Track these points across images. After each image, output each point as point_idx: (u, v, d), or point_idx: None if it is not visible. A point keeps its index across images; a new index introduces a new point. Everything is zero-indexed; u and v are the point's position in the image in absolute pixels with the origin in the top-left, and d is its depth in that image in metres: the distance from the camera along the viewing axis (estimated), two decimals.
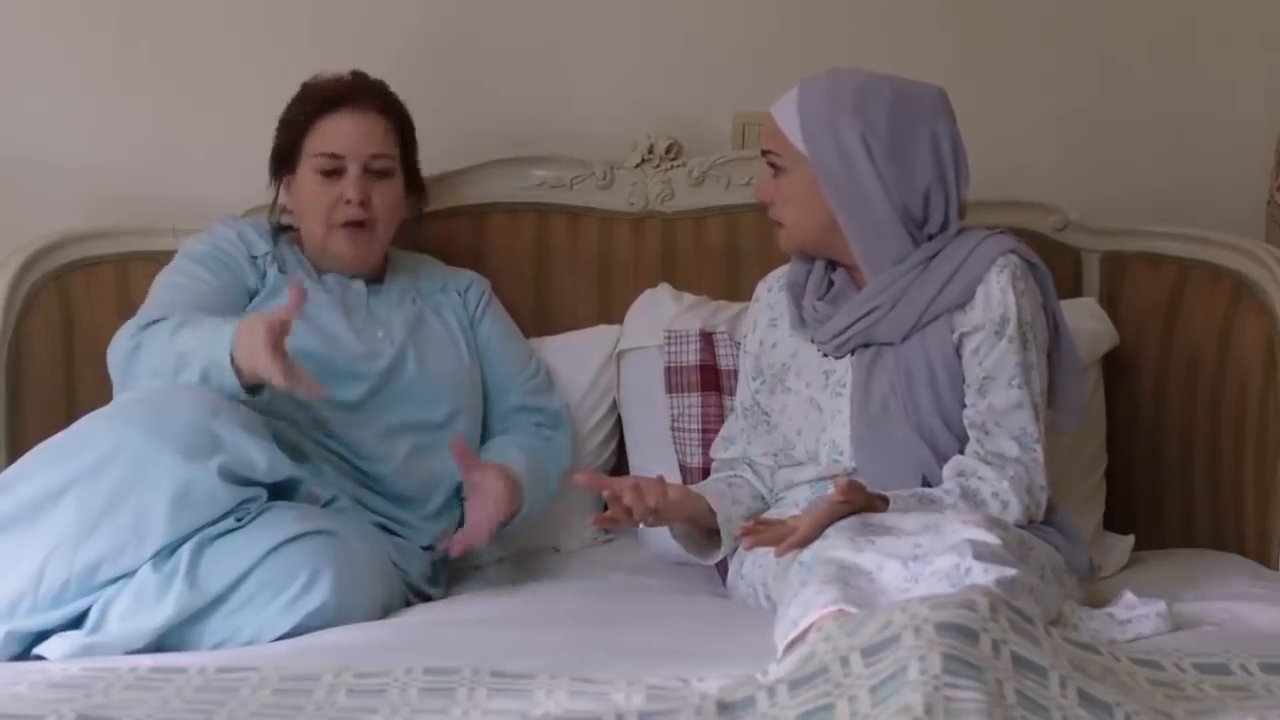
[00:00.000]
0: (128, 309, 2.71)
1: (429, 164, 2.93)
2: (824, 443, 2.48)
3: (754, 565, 2.47)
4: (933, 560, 2.05)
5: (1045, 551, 2.31)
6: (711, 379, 2.81)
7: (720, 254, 3.02)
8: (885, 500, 2.26)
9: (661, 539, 2.68)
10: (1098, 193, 3.15)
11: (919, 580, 2.03)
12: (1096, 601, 2.37)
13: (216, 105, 3.08)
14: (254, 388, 2.40)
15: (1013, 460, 2.38)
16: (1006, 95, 3.15)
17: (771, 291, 2.63)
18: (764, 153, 2.51)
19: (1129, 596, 2.28)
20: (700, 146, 3.07)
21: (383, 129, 2.72)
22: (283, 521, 2.32)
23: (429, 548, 2.63)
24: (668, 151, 3.04)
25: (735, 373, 2.74)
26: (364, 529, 2.48)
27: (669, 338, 2.84)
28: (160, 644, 2.23)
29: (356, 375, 2.62)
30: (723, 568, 2.59)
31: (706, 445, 2.74)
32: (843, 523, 2.19)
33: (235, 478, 2.31)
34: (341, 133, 2.69)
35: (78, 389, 2.83)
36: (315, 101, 2.71)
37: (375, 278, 2.78)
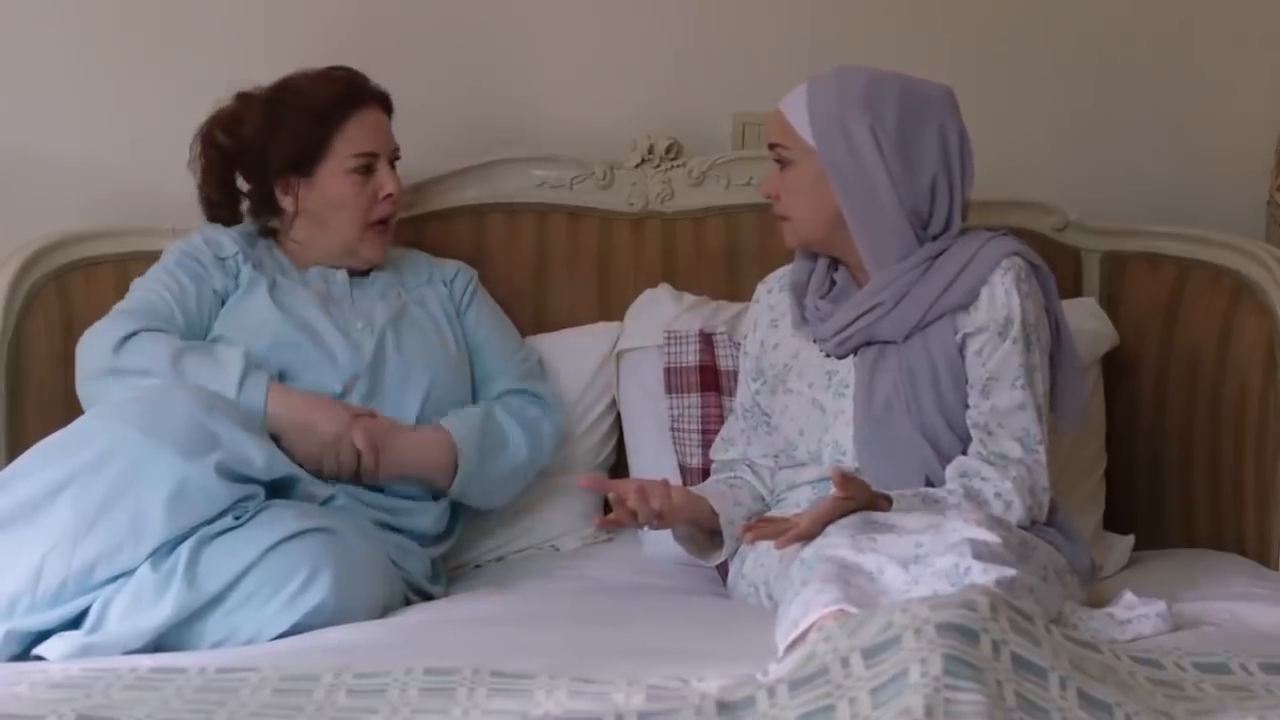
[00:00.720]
0: None
1: (429, 165, 2.94)
2: (827, 443, 2.48)
3: (755, 564, 2.47)
4: (933, 561, 2.05)
5: (1047, 552, 2.31)
6: (711, 379, 2.81)
7: (720, 254, 3.02)
8: (888, 500, 2.27)
9: (662, 539, 2.69)
10: (1098, 193, 3.15)
11: (919, 581, 2.03)
12: (1097, 602, 2.37)
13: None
14: None
15: (1015, 461, 2.38)
16: (1006, 95, 3.15)
17: (772, 292, 2.64)
18: (771, 146, 2.51)
19: (1129, 596, 2.28)
20: (700, 146, 3.07)
21: (388, 120, 2.76)
22: (281, 519, 2.32)
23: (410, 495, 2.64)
24: (668, 151, 3.04)
25: (735, 373, 2.74)
26: (363, 527, 2.49)
27: (668, 338, 2.84)
28: (159, 643, 2.23)
29: (338, 367, 2.63)
30: (723, 568, 2.59)
31: (706, 446, 2.74)
32: (844, 520, 2.20)
33: (233, 475, 2.31)
34: (370, 130, 2.72)
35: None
36: (335, 105, 2.70)
37: (360, 270, 2.78)
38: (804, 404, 2.52)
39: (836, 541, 2.12)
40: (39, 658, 2.22)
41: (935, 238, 2.47)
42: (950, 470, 2.39)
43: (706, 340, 2.82)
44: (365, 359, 2.66)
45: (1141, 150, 3.21)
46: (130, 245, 2.93)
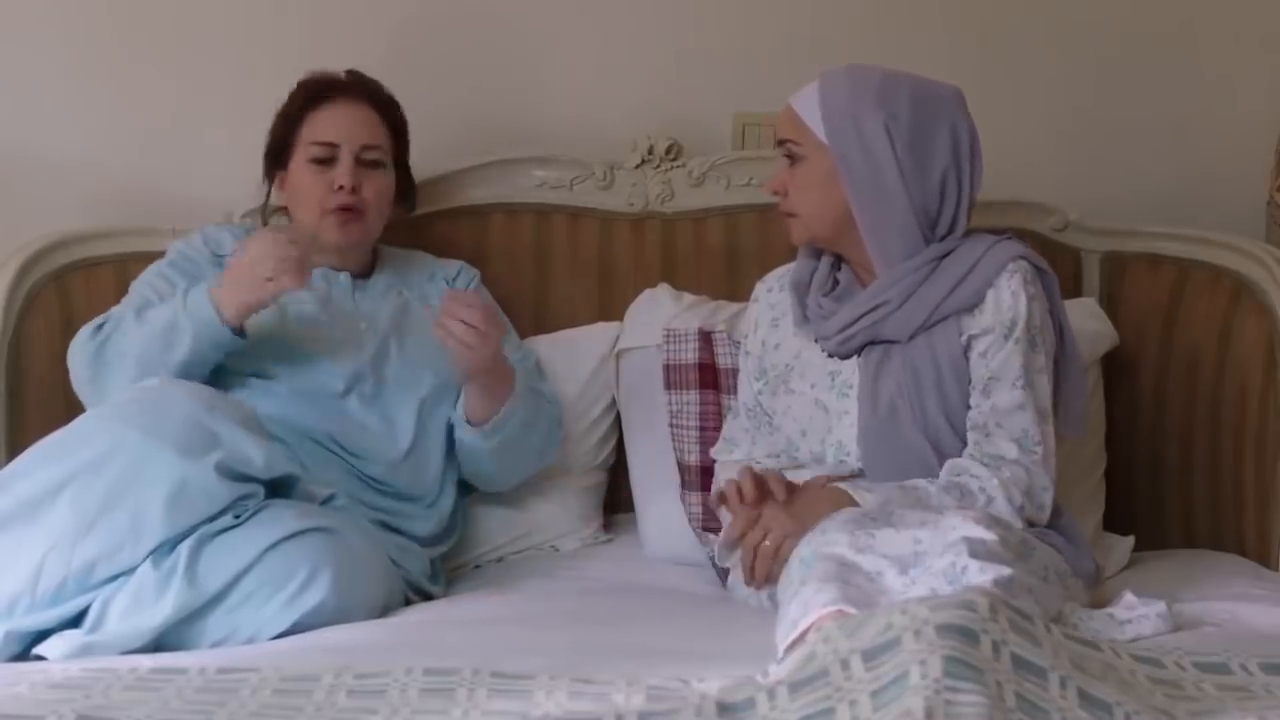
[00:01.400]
0: None
1: (429, 165, 2.94)
2: (830, 444, 2.48)
3: None
4: (930, 562, 2.05)
5: (1047, 553, 2.31)
6: (710, 377, 2.81)
7: (720, 255, 3.02)
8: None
9: (662, 540, 2.69)
10: (1098, 193, 3.15)
11: (917, 582, 2.03)
12: (1097, 602, 2.37)
13: (216, 105, 3.08)
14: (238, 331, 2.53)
15: (1010, 462, 2.38)
16: (1006, 95, 3.15)
17: (771, 292, 2.63)
18: (780, 142, 2.51)
19: (1129, 597, 2.28)
20: (700, 147, 3.07)
21: (374, 120, 2.76)
22: (281, 519, 2.32)
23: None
24: (668, 152, 3.04)
25: (733, 371, 2.74)
26: (363, 527, 2.49)
27: (668, 336, 2.84)
28: (159, 642, 2.23)
29: (339, 365, 2.63)
30: (724, 569, 2.59)
31: (704, 443, 2.74)
32: (841, 515, 2.19)
33: (233, 474, 2.31)
34: (334, 121, 2.73)
35: None
36: (308, 94, 2.75)
37: (362, 273, 2.79)
38: (806, 404, 2.51)
39: (835, 539, 2.12)
40: (39, 657, 2.22)
41: (942, 239, 2.47)
42: (943, 471, 2.39)
43: (705, 338, 2.82)
44: (367, 357, 2.66)
45: (1141, 150, 3.21)
46: (130, 245, 2.93)
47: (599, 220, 3.03)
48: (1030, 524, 2.38)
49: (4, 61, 3.07)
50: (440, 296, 2.67)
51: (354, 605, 2.33)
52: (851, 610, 1.95)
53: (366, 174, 2.73)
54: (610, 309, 2.98)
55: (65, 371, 2.67)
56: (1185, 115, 3.22)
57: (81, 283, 2.90)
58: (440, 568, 2.69)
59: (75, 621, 2.26)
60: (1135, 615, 2.23)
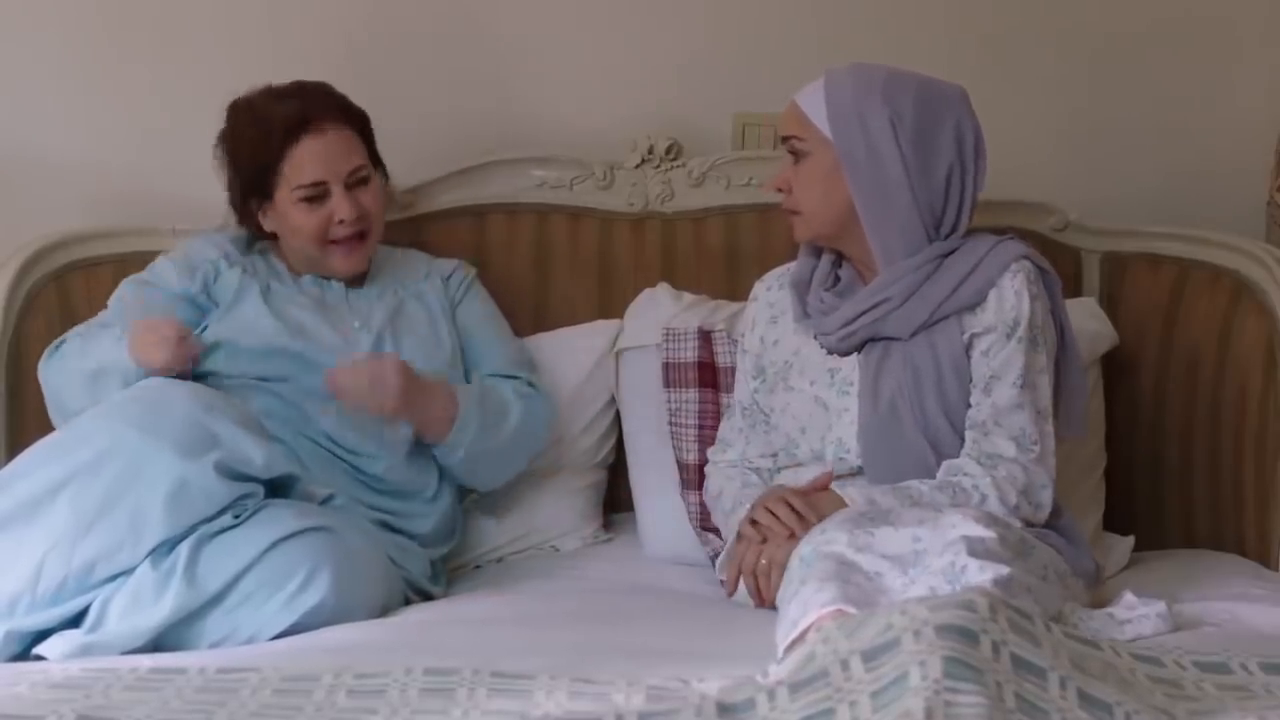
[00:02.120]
0: None
1: (429, 165, 2.94)
2: (830, 442, 2.47)
3: None
4: (929, 561, 2.05)
5: (1047, 553, 2.31)
6: (709, 376, 2.81)
7: (720, 254, 3.02)
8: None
9: (662, 539, 2.69)
10: (1098, 193, 3.15)
11: (916, 582, 2.03)
12: (1097, 602, 2.37)
13: (216, 106, 3.07)
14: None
15: (1007, 460, 2.38)
16: (1006, 95, 3.15)
17: (771, 290, 2.64)
18: (785, 139, 2.51)
19: (1129, 597, 2.28)
20: (700, 147, 3.07)
21: (349, 138, 2.70)
22: (280, 518, 2.32)
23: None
24: (668, 152, 3.04)
25: (732, 370, 2.73)
26: (363, 526, 2.49)
27: (667, 335, 2.84)
28: (159, 641, 2.24)
29: (332, 365, 2.62)
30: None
31: (703, 442, 2.74)
32: (840, 514, 2.20)
33: (232, 473, 2.32)
34: (316, 158, 2.65)
35: None
36: (278, 132, 2.66)
37: (356, 277, 2.78)
38: (806, 402, 2.51)
39: (834, 537, 2.12)
40: (39, 657, 2.22)
41: (945, 237, 2.47)
42: (940, 472, 2.40)
43: (705, 337, 2.82)
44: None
45: (1141, 150, 3.21)
46: (130, 245, 2.93)
47: (599, 220, 3.03)
48: (1029, 523, 2.38)
49: (4, 62, 3.07)
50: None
51: (354, 605, 2.34)
52: (851, 609, 1.95)
53: (360, 193, 2.69)
54: (610, 308, 2.98)
55: None
56: (1185, 115, 3.22)
57: (81, 283, 2.90)
58: (441, 568, 2.69)
59: (75, 621, 2.27)
60: (1135, 615, 2.23)
